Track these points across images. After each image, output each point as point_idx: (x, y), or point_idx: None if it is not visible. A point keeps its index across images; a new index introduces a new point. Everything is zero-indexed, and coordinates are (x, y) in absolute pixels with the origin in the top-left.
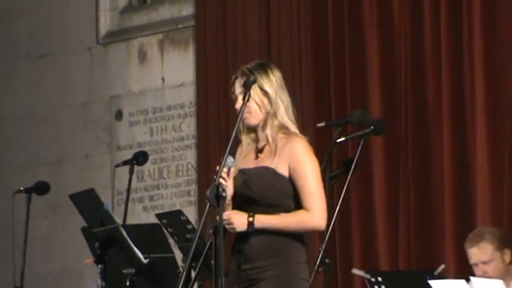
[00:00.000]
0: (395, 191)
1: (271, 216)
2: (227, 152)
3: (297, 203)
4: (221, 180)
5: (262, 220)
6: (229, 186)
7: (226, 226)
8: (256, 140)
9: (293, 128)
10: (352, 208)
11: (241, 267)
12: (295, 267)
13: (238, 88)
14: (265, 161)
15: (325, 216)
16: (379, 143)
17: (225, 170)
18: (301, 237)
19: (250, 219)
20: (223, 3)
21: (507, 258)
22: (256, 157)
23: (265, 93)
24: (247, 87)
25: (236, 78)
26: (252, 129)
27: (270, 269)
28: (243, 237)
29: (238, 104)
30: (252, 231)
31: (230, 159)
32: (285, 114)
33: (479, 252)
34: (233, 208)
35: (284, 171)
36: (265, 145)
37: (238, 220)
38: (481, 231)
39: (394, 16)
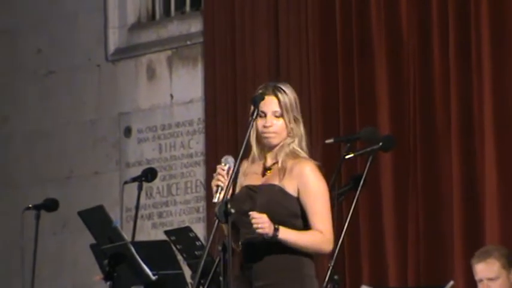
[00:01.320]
0: (404, 207)
1: (291, 231)
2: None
3: (305, 223)
4: (219, 177)
5: (285, 232)
6: (224, 185)
7: (256, 225)
8: (264, 158)
9: (305, 156)
10: (360, 224)
11: (253, 284)
12: (307, 282)
13: (271, 105)
14: (273, 179)
15: (333, 241)
16: (387, 160)
17: (225, 168)
18: (310, 258)
19: (276, 226)
20: (231, 19)
21: None
22: (263, 175)
23: (295, 119)
24: (255, 103)
25: (267, 95)
26: (263, 147)
27: (282, 285)
28: (253, 253)
29: (269, 122)
30: (272, 240)
31: (231, 158)
32: (301, 143)
33: (486, 268)
34: (237, 223)
35: (292, 192)
36: (273, 164)
37: (268, 223)
38: (489, 248)
39: (402, 34)
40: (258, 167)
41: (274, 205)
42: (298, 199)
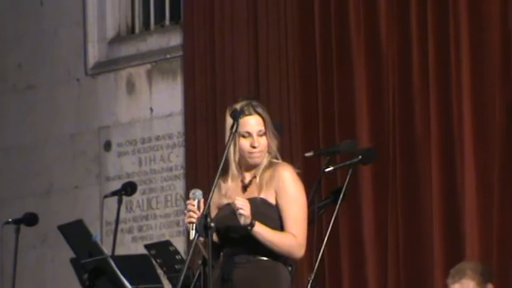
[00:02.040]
0: (384, 220)
1: (266, 228)
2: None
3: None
4: (191, 213)
5: (260, 226)
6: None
7: (239, 209)
8: (241, 175)
9: (281, 161)
10: (341, 237)
11: None
12: None
13: (255, 125)
14: (254, 193)
15: (305, 246)
16: (367, 172)
17: (194, 203)
18: (287, 271)
19: (253, 221)
20: (211, 33)
21: None
22: (244, 191)
23: (274, 134)
24: (236, 118)
25: (249, 115)
26: (242, 165)
27: None
28: (229, 266)
29: (256, 142)
30: (249, 229)
31: (199, 192)
32: (276, 156)
33: None
34: (223, 240)
35: (272, 200)
36: (251, 179)
37: (248, 211)
38: (462, 267)
39: (381, 46)
40: (235, 185)
41: (260, 217)
42: (276, 204)
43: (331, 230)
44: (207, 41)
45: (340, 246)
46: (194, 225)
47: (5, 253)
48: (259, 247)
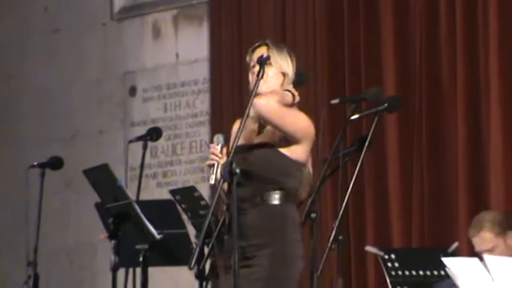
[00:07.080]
0: (409, 168)
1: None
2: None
3: (290, 180)
4: (212, 156)
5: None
6: (219, 162)
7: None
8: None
9: None
10: (365, 185)
11: (239, 244)
12: (290, 245)
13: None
14: (265, 136)
15: (268, 107)
16: (393, 120)
17: (218, 147)
18: (296, 212)
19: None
20: None
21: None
22: (259, 132)
23: (283, 74)
24: (261, 64)
25: (259, 46)
26: None
27: (265, 247)
28: (242, 215)
29: (253, 75)
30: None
31: (222, 137)
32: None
33: (481, 241)
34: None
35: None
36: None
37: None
38: (480, 219)
39: None
40: (254, 124)
41: (264, 162)
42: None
43: (355, 178)
44: None
45: (365, 194)
46: (214, 169)
47: (30, 197)
48: (267, 191)
